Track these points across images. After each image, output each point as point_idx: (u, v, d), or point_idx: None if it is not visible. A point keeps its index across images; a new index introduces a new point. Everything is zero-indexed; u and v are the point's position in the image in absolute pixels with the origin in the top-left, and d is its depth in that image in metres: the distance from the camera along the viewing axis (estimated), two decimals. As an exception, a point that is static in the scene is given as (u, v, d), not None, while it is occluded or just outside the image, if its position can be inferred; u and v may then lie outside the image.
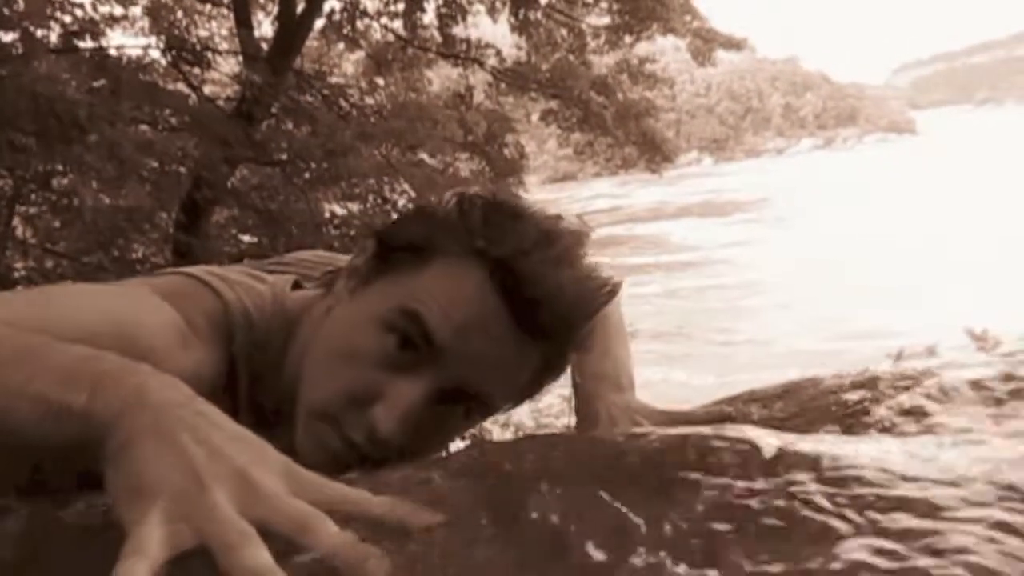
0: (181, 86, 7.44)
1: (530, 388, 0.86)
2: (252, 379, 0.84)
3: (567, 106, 10.24)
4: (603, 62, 10.89)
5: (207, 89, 8.00)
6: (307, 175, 7.28)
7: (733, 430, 0.60)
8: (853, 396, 0.78)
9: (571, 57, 10.33)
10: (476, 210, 0.82)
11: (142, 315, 0.77)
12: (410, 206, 7.67)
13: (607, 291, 0.81)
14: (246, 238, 8.24)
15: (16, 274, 5.53)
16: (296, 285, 0.93)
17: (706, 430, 0.60)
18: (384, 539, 0.49)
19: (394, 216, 7.53)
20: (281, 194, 7.15)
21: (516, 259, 0.77)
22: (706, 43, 10.73)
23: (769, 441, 0.59)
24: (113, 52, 5.79)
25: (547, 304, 0.77)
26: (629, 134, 10.37)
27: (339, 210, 7.71)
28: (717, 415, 0.92)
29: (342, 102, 7.21)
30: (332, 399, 0.79)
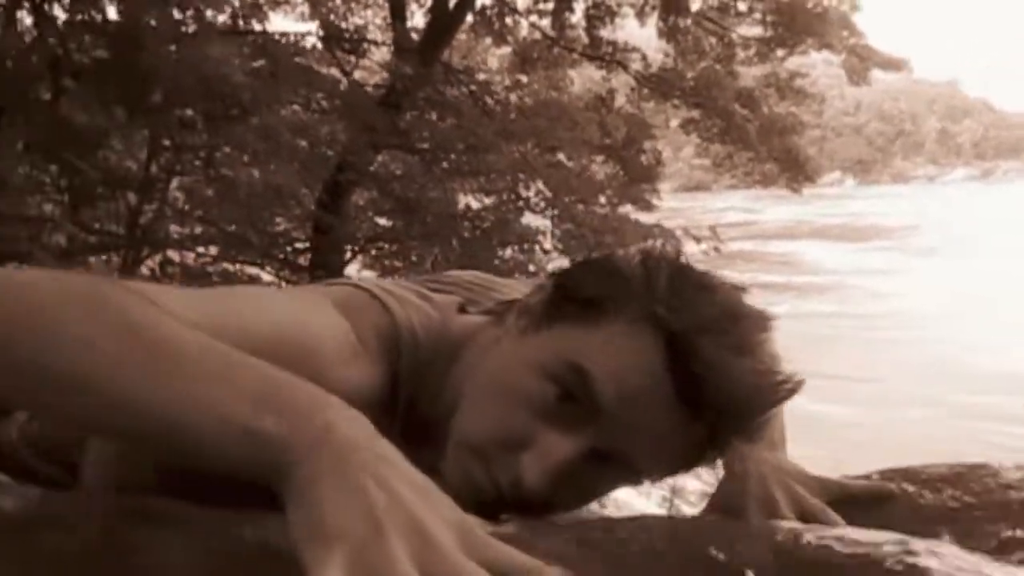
0: (333, 71, 7.73)
1: (684, 464, 0.83)
2: (410, 398, 0.84)
3: (709, 116, 10.02)
4: (750, 73, 10.59)
5: (356, 75, 8.27)
6: (445, 165, 7.42)
7: (941, 553, 0.54)
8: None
9: (718, 66, 10.10)
10: (662, 273, 0.80)
11: (316, 324, 0.79)
12: (542, 204, 7.71)
13: (786, 389, 0.77)
14: (381, 221, 8.50)
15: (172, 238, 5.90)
16: (461, 309, 0.93)
17: (902, 547, 0.54)
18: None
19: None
20: (419, 182, 7.31)
21: (694, 335, 0.74)
22: (862, 61, 10.27)
23: None
24: (274, 35, 6.06)
25: (718, 392, 0.74)
26: (771, 150, 10.06)
27: (474, 203, 7.82)
28: (878, 492, 0.87)
29: (487, 98, 7.30)
30: (484, 436, 0.78)
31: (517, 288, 1.09)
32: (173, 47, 3.63)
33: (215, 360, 0.59)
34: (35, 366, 0.59)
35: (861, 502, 0.85)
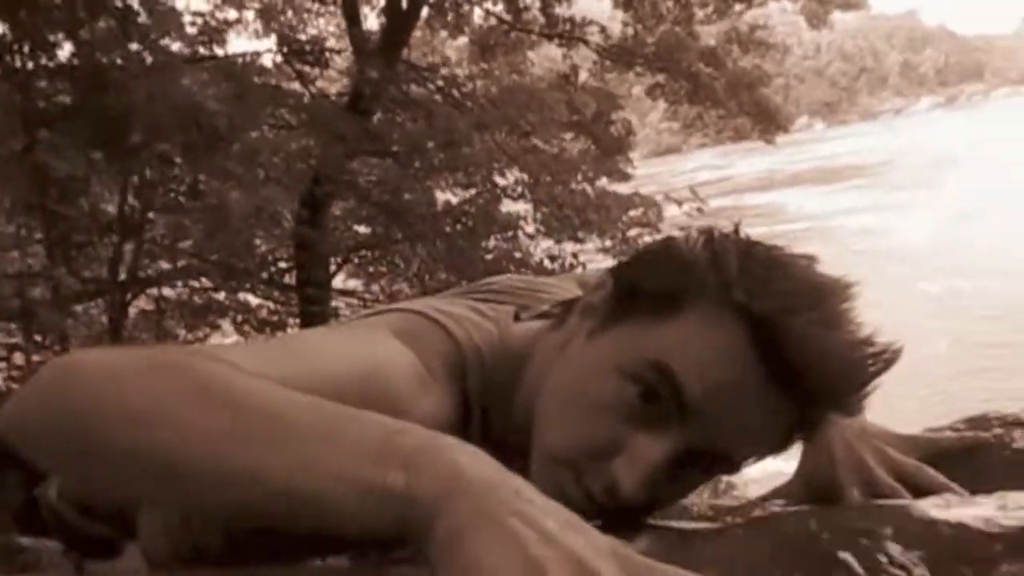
0: (295, 85, 7.66)
1: (780, 445, 0.79)
2: (484, 417, 0.82)
3: (675, 79, 9.98)
4: (711, 31, 10.56)
5: (318, 86, 8.19)
6: (418, 164, 7.38)
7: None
8: None
9: (677, 29, 10.04)
10: (730, 256, 0.76)
11: (384, 360, 0.77)
12: (521, 190, 7.69)
13: (885, 359, 0.73)
14: (362, 229, 8.44)
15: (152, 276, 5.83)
16: (515, 316, 0.91)
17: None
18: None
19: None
20: (396, 185, 7.26)
21: (781, 318, 0.70)
22: (822, 4, 10.25)
23: None
24: (235, 56, 5.99)
25: (815, 372, 0.71)
26: (741, 104, 10.04)
27: (453, 198, 7.79)
28: (971, 442, 0.85)
29: (455, 92, 7.25)
30: (571, 447, 0.76)
31: (562, 286, 1.07)
32: (142, 82, 3.58)
33: (316, 417, 0.56)
34: (130, 455, 0.55)
35: (953, 455, 0.84)
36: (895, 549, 0.50)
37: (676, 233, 0.84)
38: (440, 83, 7.34)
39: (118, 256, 4.55)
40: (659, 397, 0.73)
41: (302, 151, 6.79)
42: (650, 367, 0.74)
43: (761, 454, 0.79)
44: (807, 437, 0.81)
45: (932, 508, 0.54)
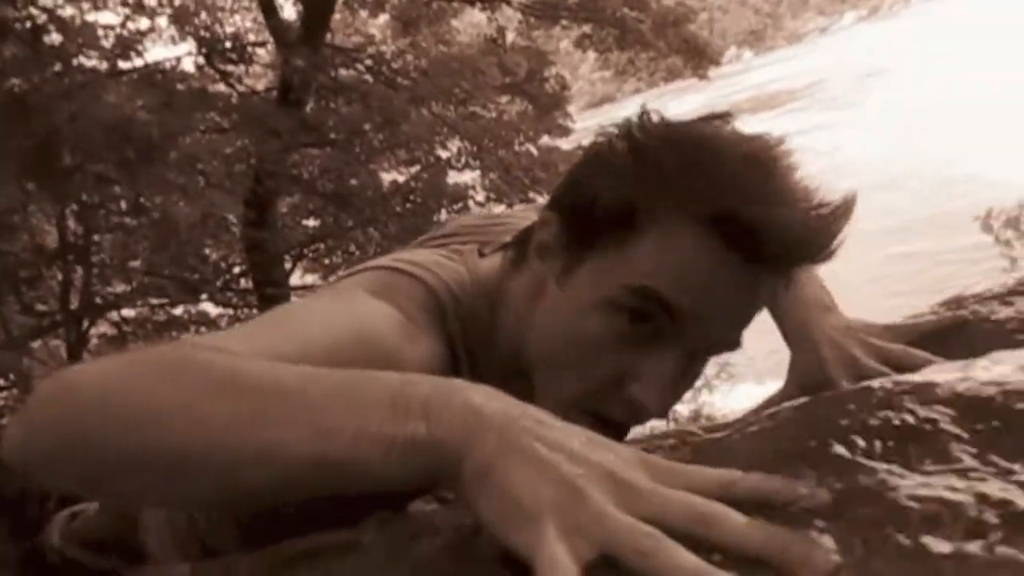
0: (220, 86, 7.49)
1: (759, 309, 0.81)
2: (469, 354, 0.82)
3: (601, 27, 9.96)
4: (629, -26, 10.51)
5: (244, 84, 8.02)
6: (358, 148, 7.29)
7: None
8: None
9: (596, -24, 10.00)
10: (662, 155, 0.75)
11: (367, 319, 0.76)
12: (468, 160, 7.64)
13: (844, 212, 0.74)
14: (312, 222, 8.34)
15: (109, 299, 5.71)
16: (479, 254, 0.90)
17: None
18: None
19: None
20: (340, 172, 7.17)
21: (739, 213, 0.71)
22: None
23: None
24: (156, 65, 5.83)
25: (785, 249, 0.73)
26: (670, 44, 10.06)
27: (399, 177, 7.72)
28: (951, 322, 0.87)
29: (385, 70, 7.15)
30: (580, 391, 0.77)
31: (521, 216, 1.06)
32: (63, 103, 3.46)
33: (324, 385, 0.56)
34: (145, 456, 0.54)
35: (937, 336, 0.86)
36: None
37: (596, 140, 0.82)
38: (369, 63, 7.23)
39: (68, 284, 4.42)
40: (649, 316, 0.75)
41: (239, 152, 6.66)
42: (631, 293, 0.75)
43: (747, 324, 0.79)
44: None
45: (940, 373, 0.55)
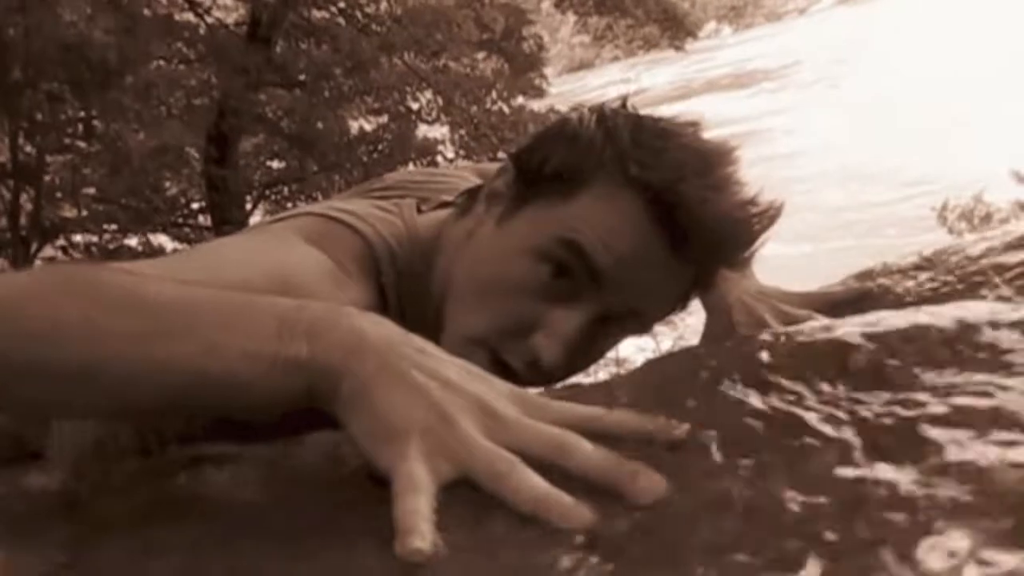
0: (188, 16, 7.30)
1: (681, 302, 0.87)
2: (399, 309, 0.84)
3: (582, -11, 9.87)
4: (613, -62, 10.41)
5: (212, 15, 7.83)
6: (328, 93, 7.18)
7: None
8: (1013, 259, 0.76)
9: (580, -64, 9.89)
10: (623, 132, 0.80)
11: (295, 262, 0.77)
12: (438, 114, 7.57)
13: (769, 217, 0.79)
14: (274, 164, 8.23)
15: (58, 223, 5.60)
16: (418, 209, 0.92)
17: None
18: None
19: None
20: (307, 115, 7.07)
21: (674, 187, 0.76)
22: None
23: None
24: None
25: (707, 233, 0.77)
26: (649, 12, 10.02)
27: (367, 125, 7.63)
28: (858, 293, 0.91)
29: (358, 14, 7.03)
30: (488, 328, 0.79)
31: (459, 175, 1.08)
32: (17, 16, 3.36)
33: (219, 304, 0.57)
34: (46, 368, 0.55)
35: (844, 305, 0.90)
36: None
37: (570, 113, 0.87)
38: (342, 5, 7.09)
39: (16, 206, 4.33)
40: (570, 271, 0.78)
41: (202, 85, 6.52)
42: (559, 244, 0.78)
43: (667, 311, 0.84)
44: (704, 290, 0.86)
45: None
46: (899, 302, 0.81)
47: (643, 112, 0.85)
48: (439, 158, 7.49)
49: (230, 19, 8.30)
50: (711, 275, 0.84)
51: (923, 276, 0.83)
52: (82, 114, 4.37)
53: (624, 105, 0.86)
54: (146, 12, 5.76)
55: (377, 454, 0.50)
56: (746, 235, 0.80)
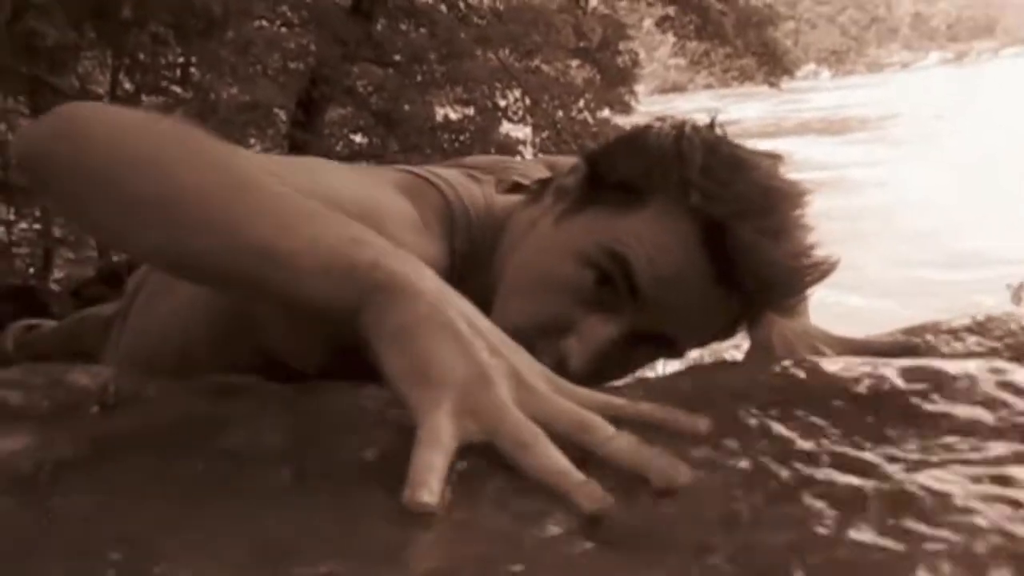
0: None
1: (722, 335, 0.86)
2: (462, 275, 0.86)
3: (685, 12, 9.82)
4: (726, -36, 10.33)
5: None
6: (420, 77, 7.27)
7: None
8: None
9: (693, -41, 9.83)
10: (696, 155, 0.79)
11: (386, 202, 0.80)
12: (524, 114, 7.61)
13: (821, 271, 0.79)
14: (357, 138, 8.36)
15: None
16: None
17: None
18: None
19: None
20: (396, 95, 7.17)
21: (731, 224, 0.75)
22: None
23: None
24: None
25: (756, 277, 0.76)
26: (748, 44, 9.92)
27: (452, 114, 7.70)
28: (903, 346, 0.89)
29: (460, 4, 7.10)
30: (527, 321, 0.80)
31: (531, 166, 1.10)
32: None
33: (304, 201, 0.60)
34: (131, 199, 0.60)
35: (887, 357, 0.88)
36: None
37: (654, 122, 0.86)
38: (446, -8, 7.18)
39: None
40: (613, 282, 0.78)
41: (300, 49, 6.67)
42: (607, 254, 0.79)
43: (704, 341, 0.84)
44: (748, 327, 0.86)
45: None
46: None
47: (725, 138, 0.85)
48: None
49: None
50: (756, 315, 0.83)
51: (972, 339, 0.81)
52: (181, 60, 4.53)
53: (711, 126, 0.86)
54: (256, -29, 5.91)
55: (409, 396, 0.51)
56: (795, 285, 0.79)
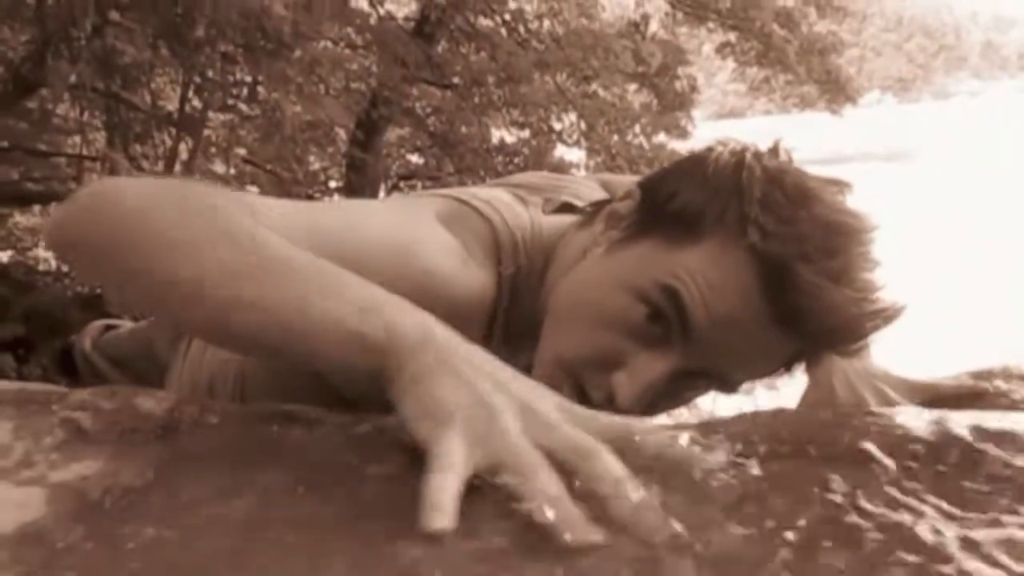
0: (362, 3, 7.62)
1: (773, 373, 0.83)
2: (511, 300, 0.86)
3: (746, 38, 9.73)
4: (788, -9, 10.24)
5: (385, 7, 8.14)
6: (478, 99, 7.35)
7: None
8: None
9: (755, -14, 9.76)
10: (756, 187, 0.76)
11: (424, 237, 0.81)
12: (579, 138, 7.63)
13: (884, 317, 0.76)
14: (414, 158, 8.47)
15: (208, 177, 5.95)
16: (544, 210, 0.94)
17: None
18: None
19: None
20: (453, 117, 7.25)
21: (790, 265, 0.72)
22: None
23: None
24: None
25: (815, 321, 0.74)
26: (811, 71, 9.79)
27: (508, 137, 7.76)
28: (970, 390, 0.87)
29: (520, 28, 7.17)
30: (576, 355, 0.80)
31: (584, 184, 1.09)
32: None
33: (321, 274, 0.62)
34: (159, 278, 0.63)
35: (952, 400, 0.86)
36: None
37: (715, 147, 0.83)
38: (508, 17, 7.25)
39: (175, 152, 4.65)
40: (665, 319, 0.77)
41: (362, 71, 6.80)
42: (660, 289, 0.77)
43: (757, 377, 0.82)
44: (807, 366, 0.84)
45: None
46: (1013, 408, 0.77)
47: (789, 164, 0.81)
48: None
49: (401, 13, 8.63)
50: (814, 356, 0.81)
51: (1046, 386, 0.79)
52: (249, 79, 4.68)
53: (774, 151, 0.83)
54: (326, -7, 6.05)
55: (419, 429, 0.54)
56: (857, 331, 0.76)
